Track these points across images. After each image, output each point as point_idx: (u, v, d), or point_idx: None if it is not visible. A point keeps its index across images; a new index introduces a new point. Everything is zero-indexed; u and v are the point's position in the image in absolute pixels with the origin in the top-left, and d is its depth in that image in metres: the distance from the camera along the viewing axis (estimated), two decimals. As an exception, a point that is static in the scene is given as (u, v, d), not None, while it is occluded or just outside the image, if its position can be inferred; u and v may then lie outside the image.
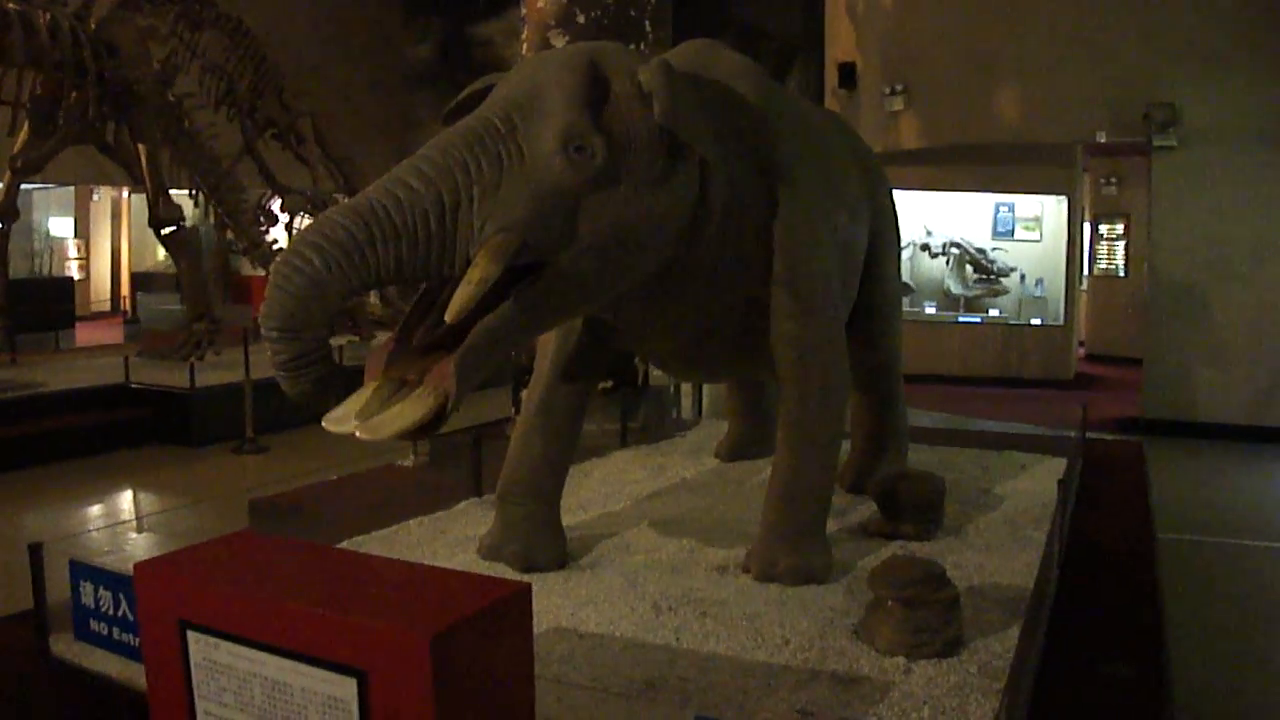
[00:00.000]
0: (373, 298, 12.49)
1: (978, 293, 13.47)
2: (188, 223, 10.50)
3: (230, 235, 11.81)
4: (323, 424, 2.32)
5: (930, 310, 13.49)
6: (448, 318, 2.31)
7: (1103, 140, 10.56)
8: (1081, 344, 15.14)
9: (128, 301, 19.62)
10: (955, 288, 13.50)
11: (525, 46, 6.29)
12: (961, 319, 13.47)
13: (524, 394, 3.55)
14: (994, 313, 13.41)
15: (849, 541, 3.51)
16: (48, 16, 9.03)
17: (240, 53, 11.49)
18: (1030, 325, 13.23)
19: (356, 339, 11.90)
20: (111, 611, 2.55)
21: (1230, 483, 8.11)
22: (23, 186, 10.22)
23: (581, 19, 5.98)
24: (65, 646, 2.64)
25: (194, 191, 10.99)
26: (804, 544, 3.12)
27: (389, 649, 1.54)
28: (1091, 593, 3.20)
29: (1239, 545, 6.29)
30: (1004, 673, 2.38)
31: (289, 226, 12.47)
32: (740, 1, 17.48)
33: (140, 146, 10.05)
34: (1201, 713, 3.92)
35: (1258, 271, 9.64)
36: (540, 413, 3.35)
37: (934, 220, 13.44)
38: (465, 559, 3.32)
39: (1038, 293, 13.30)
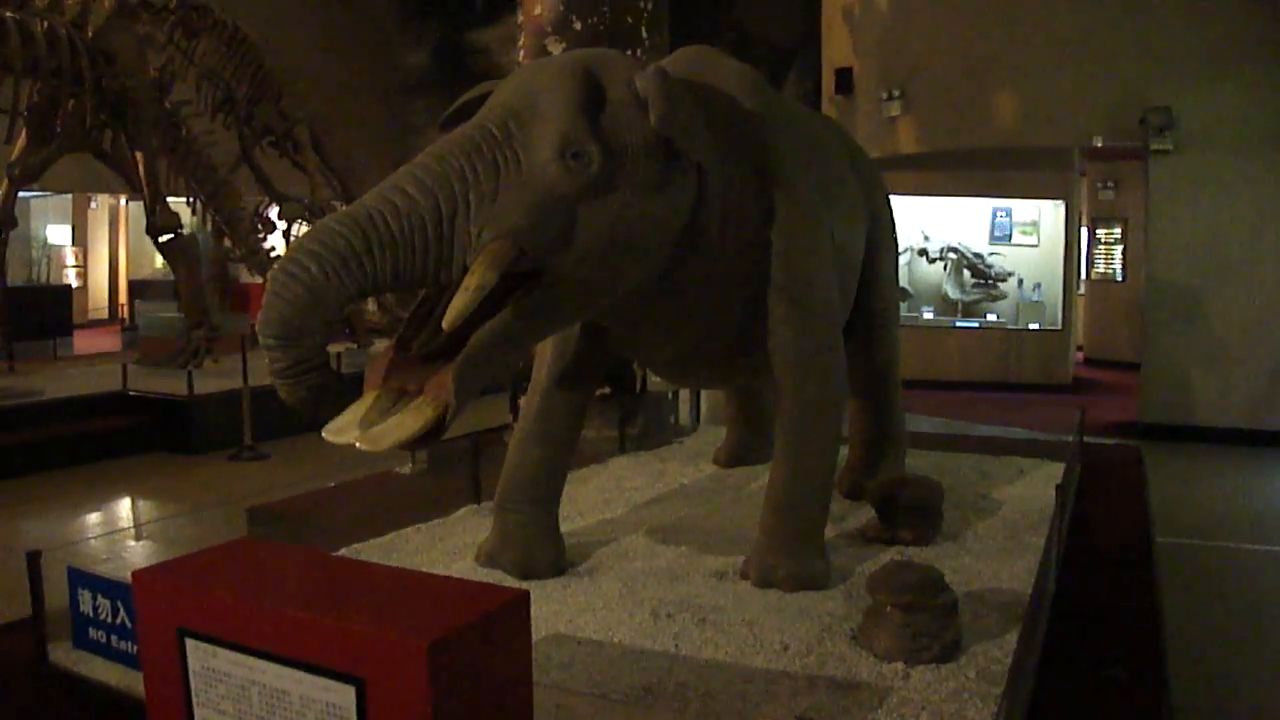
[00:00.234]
0: (370, 305, 12.50)
1: (975, 298, 13.46)
2: (185, 230, 10.49)
3: (228, 243, 11.82)
4: (323, 434, 2.32)
5: (928, 315, 13.49)
6: (444, 325, 2.32)
7: (1099, 145, 10.58)
8: (1079, 348, 15.14)
9: (125, 309, 19.58)
10: (953, 293, 13.50)
11: (522, 53, 6.30)
12: (959, 324, 13.46)
13: (522, 401, 3.55)
14: (992, 318, 13.40)
15: (847, 547, 3.51)
16: (45, 25, 9.05)
17: (237, 60, 11.50)
18: (1028, 330, 13.23)
19: (354, 346, 11.91)
20: (110, 619, 2.55)
21: (1228, 487, 8.11)
22: (20, 194, 10.21)
23: (578, 25, 5.99)
24: (64, 654, 2.64)
25: (191, 199, 11.02)
26: (802, 550, 3.12)
27: (387, 656, 1.54)
28: (1090, 597, 3.20)
29: (1237, 549, 6.30)
30: (1002, 677, 2.38)
31: (286, 234, 12.49)
32: (737, 7, 17.54)
33: (137, 154, 10.07)
34: (1200, 717, 3.92)
35: (1255, 275, 9.66)
36: (538, 419, 3.35)
37: (931, 225, 13.44)
38: (463, 566, 3.32)
39: (1035, 297, 13.29)
